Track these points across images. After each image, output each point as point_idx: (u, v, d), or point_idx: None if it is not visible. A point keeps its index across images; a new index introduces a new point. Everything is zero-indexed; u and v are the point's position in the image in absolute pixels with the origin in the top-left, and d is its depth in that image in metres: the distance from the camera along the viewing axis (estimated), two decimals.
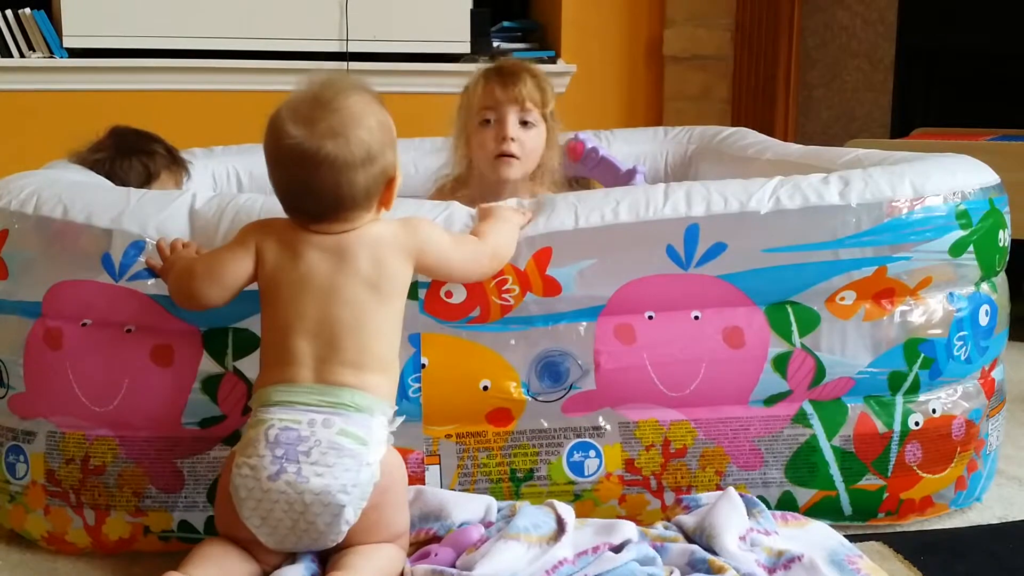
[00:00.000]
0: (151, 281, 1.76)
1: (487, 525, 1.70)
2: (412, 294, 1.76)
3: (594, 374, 1.81)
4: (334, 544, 1.59)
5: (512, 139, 2.38)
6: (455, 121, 2.51)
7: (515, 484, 1.82)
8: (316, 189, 1.63)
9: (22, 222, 1.82)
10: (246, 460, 1.56)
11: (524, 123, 2.41)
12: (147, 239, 1.77)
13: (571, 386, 1.81)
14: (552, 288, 1.80)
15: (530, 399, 1.80)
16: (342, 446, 1.56)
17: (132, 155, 2.41)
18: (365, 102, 1.67)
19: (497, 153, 2.39)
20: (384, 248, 1.67)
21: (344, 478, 1.54)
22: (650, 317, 1.84)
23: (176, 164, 2.49)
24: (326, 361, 1.61)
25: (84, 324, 1.79)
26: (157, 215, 1.80)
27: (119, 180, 2.33)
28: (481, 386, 1.79)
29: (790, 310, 1.85)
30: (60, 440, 1.80)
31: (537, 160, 2.45)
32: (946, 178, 1.91)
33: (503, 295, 1.79)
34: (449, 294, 1.78)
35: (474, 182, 2.48)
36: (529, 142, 2.41)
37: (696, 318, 1.84)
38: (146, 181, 2.39)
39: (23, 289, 1.82)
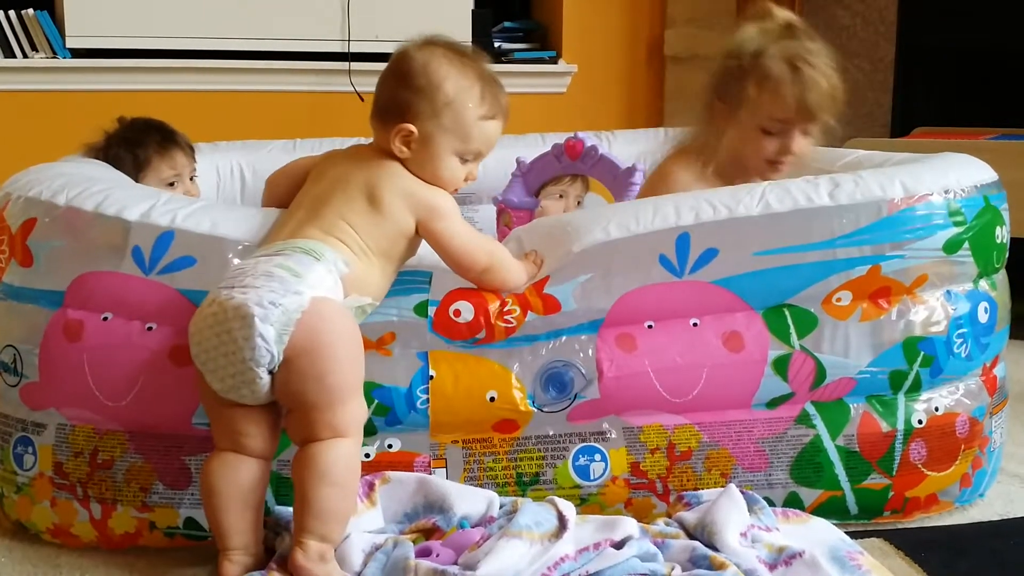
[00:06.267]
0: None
1: (489, 521, 1.70)
2: (421, 311, 1.79)
3: (598, 383, 1.81)
4: (258, 372, 1.58)
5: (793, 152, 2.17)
6: (713, 84, 2.21)
7: (521, 488, 1.82)
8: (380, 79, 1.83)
9: (51, 212, 1.84)
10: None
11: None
12: (175, 231, 1.80)
13: (576, 396, 1.81)
14: (552, 306, 1.82)
15: (536, 411, 1.81)
16: (273, 273, 1.61)
17: (122, 145, 2.43)
18: (465, 71, 1.80)
19: (773, 160, 2.16)
20: (393, 185, 1.77)
21: (264, 295, 1.58)
22: (650, 326, 1.85)
23: (166, 146, 2.48)
24: (303, 223, 1.74)
25: (105, 318, 1.80)
26: (187, 207, 1.84)
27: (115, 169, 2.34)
28: (488, 397, 1.80)
29: (787, 313, 1.86)
30: (70, 433, 1.80)
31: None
32: (938, 177, 1.92)
33: (505, 317, 1.81)
34: (457, 312, 1.80)
35: (721, 158, 2.22)
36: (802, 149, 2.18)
37: (695, 325, 1.85)
38: (137, 169, 2.40)
39: (47, 278, 1.84)
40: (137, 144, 2.45)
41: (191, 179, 2.54)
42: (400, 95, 1.78)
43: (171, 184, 2.47)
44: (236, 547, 1.61)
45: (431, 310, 1.80)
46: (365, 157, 1.82)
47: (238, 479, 1.62)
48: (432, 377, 1.79)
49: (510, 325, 1.81)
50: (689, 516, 1.72)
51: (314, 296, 1.61)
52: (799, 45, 2.13)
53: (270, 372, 1.59)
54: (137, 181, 2.40)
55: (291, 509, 1.65)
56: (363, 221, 1.74)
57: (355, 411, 1.63)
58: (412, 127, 1.77)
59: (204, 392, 1.65)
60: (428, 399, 1.79)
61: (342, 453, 1.60)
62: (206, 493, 1.63)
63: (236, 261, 1.72)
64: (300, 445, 1.62)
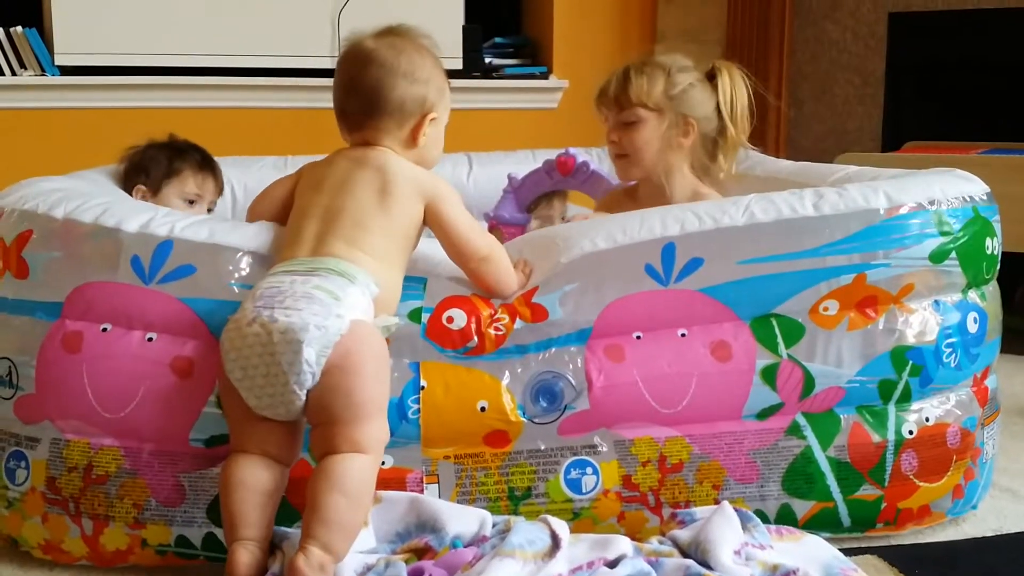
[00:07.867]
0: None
1: (482, 540, 1.70)
2: (415, 318, 1.80)
3: (587, 394, 1.82)
4: (299, 394, 1.62)
5: (613, 141, 2.35)
6: None
7: (513, 503, 1.82)
8: (361, 85, 1.87)
9: (49, 224, 1.85)
10: (233, 317, 1.68)
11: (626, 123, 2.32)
12: (174, 240, 1.81)
13: (566, 407, 1.81)
14: (539, 314, 1.83)
15: (527, 421, 1.81)
16: (313, 295, 1.66)
17: (163, 148, 2.49)
18: (431, 52, 1.92)
19: (612, 155, 2.34)
20: (401, 172, 1.84)
21: (309, 319, 1.62)
22: (638, 337, 1.85)
23: (203, 170, 2.54)
24: (323, 237, 1.78)
25: (104, 329, 1.80)
26: (184, 220, 1.86)
27: (141, 167, 2.39)
28: (479, 407, 1.80)
29: (774, 322, 1.87)
30: (64, 448, 1.80)
31: (653, 156, 2.33)
32: (924, 188, 1.93)
33: (495, 325, 1.82)
34: (451, 320, 1.81)
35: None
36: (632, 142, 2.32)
37: (683, 335, 1.86)
38: (167, 175, 2.45)
39: (44, 289, 1.84)
40: (178, 153, 2.53)
41: (208, 210, 2.58)
42: (413, 91, 1.87)
43: (191, 202, 2.53)
44: (251, 537, 1.62)
45: (425, 317, 1.81)
46: (360, 155, 1.87)
47: (265, 477, 1.66)
48: (423, 388, 1.79)
49: (500, 333, 1.81)
50: (683, 534, 1.71)
51: (353, 319, 1.66)
52: (667, 57, 2.33)
53: (307, 392, 1.63)
54: (159, 187, 2.48)
55: (284, 529, 1.66)
56: (378, 222, 1.79)
57: (377, 430, 1.67)
58: (435, 114, 1.90)
59: (231, 404, 1.69)
60: (419, 409, 1.79)
61: (358, 466, 1.63)
62: (229, 486, 1.64)
63: (268, 278, 1.72)
64: (320, 459, 1.64)
